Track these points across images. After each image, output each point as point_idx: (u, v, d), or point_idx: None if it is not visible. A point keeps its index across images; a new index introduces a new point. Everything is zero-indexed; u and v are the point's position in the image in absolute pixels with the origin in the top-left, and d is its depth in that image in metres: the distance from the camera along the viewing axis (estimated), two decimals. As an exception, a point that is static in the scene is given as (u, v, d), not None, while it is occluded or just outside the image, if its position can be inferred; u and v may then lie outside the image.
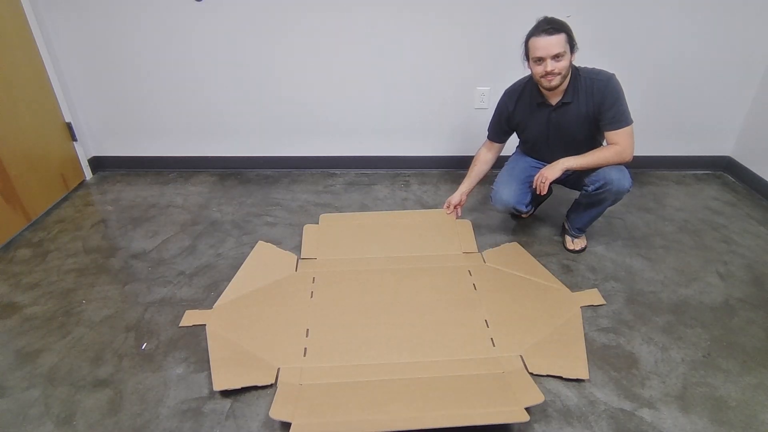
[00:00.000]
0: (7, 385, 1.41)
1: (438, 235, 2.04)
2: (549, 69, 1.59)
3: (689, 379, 1.40)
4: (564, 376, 1.39)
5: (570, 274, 1.84)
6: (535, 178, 1.73)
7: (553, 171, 1.70)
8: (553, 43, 1.55)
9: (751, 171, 2.44)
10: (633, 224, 2.15)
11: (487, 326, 1.56)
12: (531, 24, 2.21)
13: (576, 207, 1.92)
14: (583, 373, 1.40)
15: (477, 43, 2.32)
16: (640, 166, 2.62)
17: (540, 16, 1.62)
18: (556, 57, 1.58)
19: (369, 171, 2.69)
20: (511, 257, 1.91)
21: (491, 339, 1.51)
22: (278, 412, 1.25)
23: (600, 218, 2.16)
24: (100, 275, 1.87)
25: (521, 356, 1.44)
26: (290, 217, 2.23)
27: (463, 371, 1.40)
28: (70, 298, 1.75)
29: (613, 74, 1.68)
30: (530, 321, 1.58)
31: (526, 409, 1.24)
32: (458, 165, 2.53)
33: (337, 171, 2.68)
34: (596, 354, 1.48)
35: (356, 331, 1.55)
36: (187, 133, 2.60)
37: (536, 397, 1.28)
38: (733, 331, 1.57)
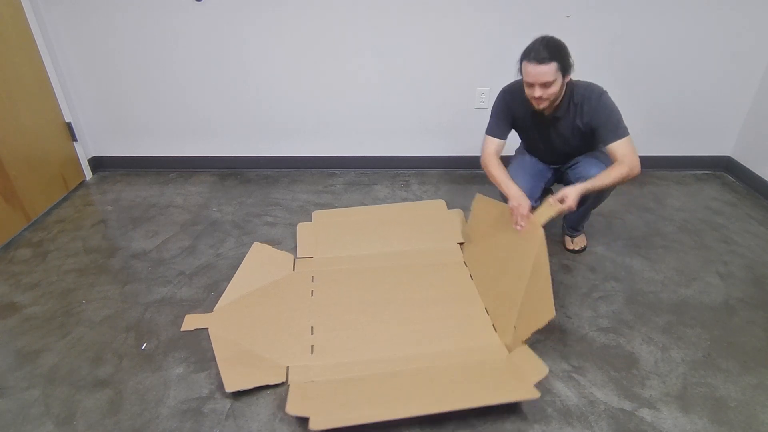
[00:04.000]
0: (7, 385, 1.41)
1: (431, 227, 2.08)
2: (536, 95, 1.58)
3: (689, 379, 1.40)
4: (539, 328, 1.39)
5: (570, 274, 1.84)
6: (557, 197, 1.60)
7: (573, 197, 1.57)
8: (543, 72, 1.52)
9: (751, 171, 2.44)
10: (633, 224, 2.15)
11: (488, 314, 1.61)
12: (530, 24, 2.23)
13: None
14: (549, 314, 1.38)
15: (477, 44, 2.32)
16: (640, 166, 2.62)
17: (538, 34, 1.57)
18: (545, 85, 1.55)
19: (369, 171, 2.68)
20: (483, 218, 1.88)
21: (493, 326, 1.57)
22: (294, 407, 1.26)
23: (600, 218, 2.17)
24: (100, 275, 1.87)
25: (515, 327, 1.50)
26: (290, 217, 2.23)
27: (469, 359, 1.44)
28: (70, 298, 1.75)
29: (605, 91, 1.65)
30: (515, 289, 1.56)
31: (536, 389, 1.28)
32: (458, 165, 2.53)
33: (337, 171, 2.68)
34: (596, 354, 1.49)
35: (360, 328, 1.57)
36: (187, 133, 2.60)
37: (542, 371, 1.32)
38: (733, 331, 1.57)
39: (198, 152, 2.66)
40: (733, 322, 1.61)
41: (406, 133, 2.59)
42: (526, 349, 1.42)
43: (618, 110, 1.64)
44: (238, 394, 1.36)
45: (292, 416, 1.30)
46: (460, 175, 2.51)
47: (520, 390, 1.29)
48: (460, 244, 1.98)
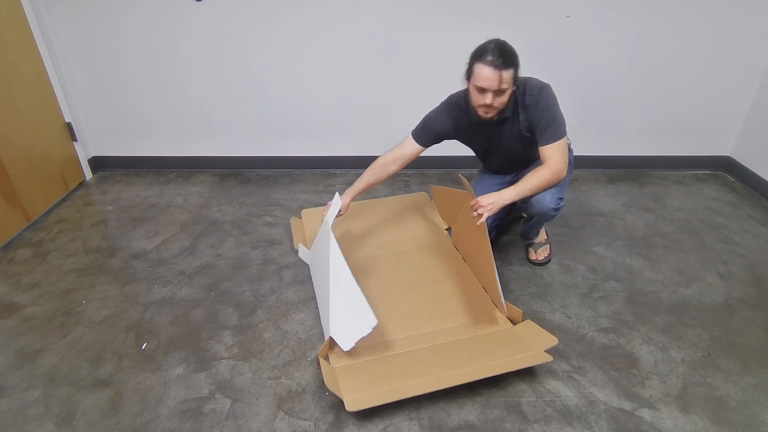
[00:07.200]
0: (7, 385, 1.41)
1: (418, 215, 2.15)
2: (489, 102, 1.49)
3: (689, 379, 1.40)
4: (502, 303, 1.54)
5: (570, 274, 1.84)
6: (472, 203, 1.58)
7: (491, 208, 1.53)
8: (501, 78, 1.43)
9: (751, 171, 2.44)
10: (633, 224, 2.15)
11: (485, 291, 1.70)
12: (531, 25, 2.23)
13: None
14: (496, 292, 1.54)
15: (477, 44, 2.31)
16: (640, 166, 2.62)
17: (492, 37, 1.49)
18: (499, 92, 1.48)
19: (369, 171, 2.68)
20: (446, 206, 2.06)
21: (492, 302, 1.64)
22: (332, 388, 1.27)
23: (600, 218, 2.17)
24: (100, 275, 1.87)
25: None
26: (290, 217, 2.23)
27: (478, 332, 1.53)
28: (70, 298, 1.75)
29: (546, 85, 1.56)
30: (488, 267, 1.60)
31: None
32: (458, 165, 2.53)
33: (337, 171, 2.68)
34: (596, 354, 1.49)
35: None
36: (188, 133, 2.60)
37: (551, 340, 1.41)
38: (733, 331, 1.57)
39: (198, 152, 2.66)
40: (733, 322, 1.61)
41: (406, 133, 2.59)
42: (531, 322, 1.51)
43: (555, 108, 1.55)
44: (239, 395, 1.37)
45: (292, 416, 1.30)
46: (460, 175, 2.51)
47: (534, 357, 1.37)
48: (447, 229, 2.06)
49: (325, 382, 1.27)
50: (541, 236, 1.93)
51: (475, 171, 2.07)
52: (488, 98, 1.49)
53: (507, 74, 1.44)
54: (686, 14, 2.21)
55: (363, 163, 2.66)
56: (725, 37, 2.27)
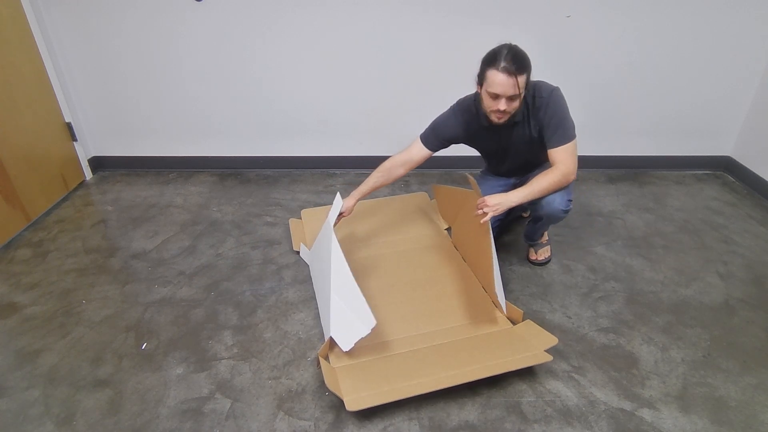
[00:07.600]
0: (7, 385, 1.41)
1: (419, 215, 2.16)
2: (502, 108, 1.48)
3: (689, 379, 1.40)
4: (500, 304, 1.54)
5: (570, 274, 1.84)
6: (478, 202, 1.57)
7: (497, 209, 1.52)
8: (514, 84, 1.43)
9: (751, 171, 2.44)
10: (633, 224, 2.15)
11: (485, 291, 1.70)
12: (531, 24, 2.23)
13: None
14: (491, 292, 1.56)
15: (478, 44, 2.31)
16: (640, 166, 2.62)
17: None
18: (512, 98, 1.47)
19: (369, 171, 2.66)
20: (448, 205, 2.05)
21: (492, 302, 1.64)
22: (332, 387, 1.27)
23: (600, 218, 2.17)
24: (100, 275, 1.87)
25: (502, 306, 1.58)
26: (290, 217, 2.23)
27: (478, 332, 1.53)
28: (70, 298, 1.75)
29: (556, 88, 1.56)
30: (489, 267, 1.59)
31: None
32: (458, 165, 2.53)
33: (337, 171, 2.68)
34: (596, 354, 1.49)
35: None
36: (188, 133, 2.60)
37: (551, 340, 1.41)
38: (733, 331, 1.57)
39: (198, 152, 2.66)
40: (733, 322, 1.61)
41: (407, 134, 2.58)
42: (531, 322, 1.52)
43: (565, 111, 1.55)
44: (239, 394, 1.37)
45: (292, 416, 1.30)
46: (460, 175, 2.51)
47: (534, 356, 1.37)
48: (447, 229, 2.06)
49: (325, 382, 1.27)
50: (543, 237, 1.93)
51: (476, 171, 2.07)
52: (502, 104, 1.48)
53: (521, 80, 1.44)
54: (686, 14, 2.21)
55: (363, 163, 2.67)
56: (725, 37, 2.27)
